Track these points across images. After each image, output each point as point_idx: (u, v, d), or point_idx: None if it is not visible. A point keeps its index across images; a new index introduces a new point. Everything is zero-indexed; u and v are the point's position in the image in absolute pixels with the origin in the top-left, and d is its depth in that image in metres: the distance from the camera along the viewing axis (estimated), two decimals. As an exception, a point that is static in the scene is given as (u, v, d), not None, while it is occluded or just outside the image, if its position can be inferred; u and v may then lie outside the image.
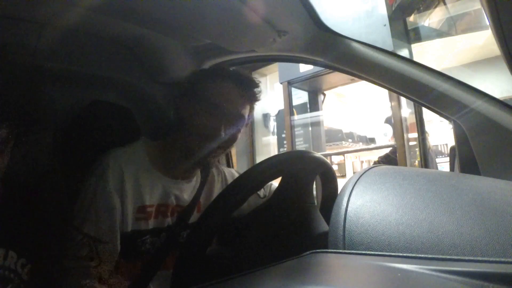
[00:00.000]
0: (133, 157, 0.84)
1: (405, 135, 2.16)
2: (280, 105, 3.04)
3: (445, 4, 2.58)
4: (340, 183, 0.64)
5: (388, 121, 2.58)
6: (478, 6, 2.39)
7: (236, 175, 1.08)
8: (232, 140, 0.88)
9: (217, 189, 1.00)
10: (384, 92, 2.39)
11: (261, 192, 1.05)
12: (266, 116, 3.34)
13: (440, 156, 3.54)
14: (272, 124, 3.32)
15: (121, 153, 0.83)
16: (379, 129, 2.46)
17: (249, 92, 0.89)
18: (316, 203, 0.78)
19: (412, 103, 2.06)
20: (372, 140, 3.94)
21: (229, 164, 1.40)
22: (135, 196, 0.81)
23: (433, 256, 0.31)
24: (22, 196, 0.78)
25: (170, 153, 0.89)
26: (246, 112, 0.89)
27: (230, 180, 1.04)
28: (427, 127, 2.12)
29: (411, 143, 2.26)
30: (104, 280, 0.76)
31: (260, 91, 0.93)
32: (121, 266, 0.82)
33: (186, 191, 0.92)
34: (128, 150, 0.85)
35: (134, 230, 0.81)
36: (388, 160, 2.40)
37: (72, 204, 0.80)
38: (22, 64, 0.86)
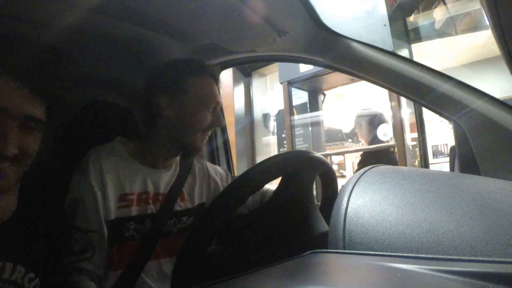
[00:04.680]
0: (111, 151, 0.89)
1: (405, 135, 2.16)
2: (280, 105, 3.04)
3: (445, 4, 2.58)
4: (340, 183, 0.64)
5: (360, 122, 2.46)
6: (478, 6, 2.39)
7: (219, 170, 1.12)
8: (217, 124, 0.96)
9: (199, 180, 1.04)
10: (384, 92, 2.39)
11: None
12: (266, 116, 3.34)
13: (440, 156, 3.54)
14: (272, 124, 3.32)
15: (99, 149, 0.88)
16: (379, 129, 2.45)
17: (218, 81, 0.98)
18: (316, 203, 0.78)
19: (412, 103, 2.06)
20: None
21: (229, 164, 1.40)
22: (116, 186, 0.85)
23: (433, 256, 0.31)
24: (32, 206, 0.79)
25: (153, 145, 0.93)
26: (220, 97, 0.98)
27: (212, 174, 1.08)
28: (427, 127, 2.12)
29: (411, 143, 2.26)
30: (101, 280, 0.79)
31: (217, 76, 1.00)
32: (111, 255, 0.84)
33: (165, 178, 0.95)
34: (106, 146, 0.90)
35: (118, 218, 0.85)
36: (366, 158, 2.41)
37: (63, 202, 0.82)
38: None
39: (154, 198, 0.92)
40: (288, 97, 2.82)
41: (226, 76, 2.99)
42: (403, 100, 2.18)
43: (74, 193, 0.82)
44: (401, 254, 0.33)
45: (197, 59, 0.96)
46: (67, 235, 0.78)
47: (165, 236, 0.91)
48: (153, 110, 0.91)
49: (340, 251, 0.37)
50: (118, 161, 0.88)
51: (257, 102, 3.31)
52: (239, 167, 2.93)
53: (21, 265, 0.58)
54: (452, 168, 0.92)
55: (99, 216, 0.80)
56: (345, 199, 0.42)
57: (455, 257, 0.30)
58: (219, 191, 0.93)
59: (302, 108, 2.98)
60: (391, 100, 2.21)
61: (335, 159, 4.48)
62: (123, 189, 0.86)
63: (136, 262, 0.86)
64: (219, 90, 0.98)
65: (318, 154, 0.76)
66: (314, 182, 0.80)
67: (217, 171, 1.11)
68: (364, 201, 0.41)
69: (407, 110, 2.26)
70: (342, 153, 3.95)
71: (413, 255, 0.33)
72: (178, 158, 1.01)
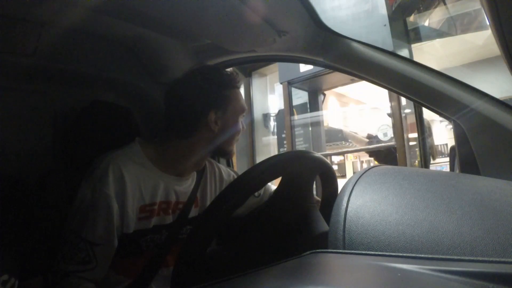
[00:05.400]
0: (132, 157, 0.84)
1: (405, 135, 2.16)
2: (280, 105, 3.04)
3: (445, 4, 2.58)
4: (340, 183, 0.64)
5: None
6: (478, 6, 2.39)
7: (233, 173, 1.10)
8: (243, 129, 1.00)
9: (212, 184, 1.02)
10: (384, 92, 2.39)
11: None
12: (266, 116, 3.34)
13: (440, 156, 3.54)
14: (272, 124, 3.32)
15: (119, 155, 0.82)
16: (379, 129, 2.45)
17: None
18: (316, 203, 0.78)
19: (412, 103, 2.06)
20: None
21: (229, 164, 1.40)
22: (137, 197, 0.81)
23: (433, 256, 0.31)
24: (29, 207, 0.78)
25: (182, 155, 0.89)
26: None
27: (225, 177, 1.06)
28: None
29: (411, 143, 2.26)
30: (100, 282, 0.77)
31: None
32: (122, 264, 0.82)
33: (186, 187, 0.93)
34: (125, 151, 0.85)
35: (137, 230, 0.82)
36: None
37: (68, 206, 0.79)
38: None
39: (175, 207, 0.90)
40: (288, 97, 2.82)
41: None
42: (403, 100, 2.18)
43: (85, 201, 0.76)
44: (401, 254, 0.33)
45: (229, 72, 0.96)
46: (69, 241, 0.75)
47: (177, 243, 0.89)
48: (197, 124, 0.88)
49: (340, 251, 0.37)
50: (140, 170, 0.83)
51: (257, 102, 3.31)
52: (239, 167, 2.93)
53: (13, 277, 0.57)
54: (452, 168, 0.92)
55: (111, 230, 0.76)
56: (345, 199, 0.42)
57: (455, 257, 0.30)
58: None
59: (302, 108, 2.98)
60: (391, 100, 2.22)
61: (335, 159, 4.48)
62: (144, 200, 0.83)
63: (147, 271, 0.85)
64: None
65: (318, 154, 0.76)
66: (314, 182, 0.80)
67: (230, 173, 1.08)
68: (364, 201, 0.41)
69: (407, 110, 2.27)
70: (342, 153, 3.96)
71: (413, 255, 0.33)
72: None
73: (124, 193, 0.78)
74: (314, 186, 0.83)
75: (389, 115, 2.42)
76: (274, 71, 3.17)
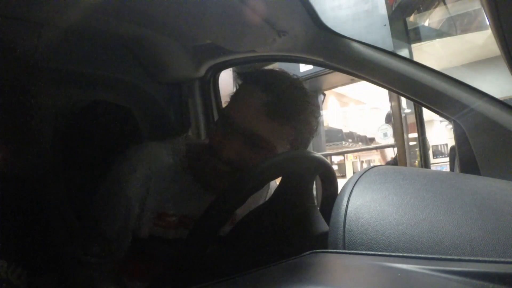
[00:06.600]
0: (169, 155, 0.76)
1: (405, 135, 2.16)
2: (280, 105, 3.04)
3: (445, 4, 2.58)
4: (340, 183, 0.64)
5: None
6: (478, 6, 2.39)
7: None
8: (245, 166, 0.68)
9: (257, 200, 0.86)
10: (384, 92, 2.39)
11: None
12: (266, 116, 3.34)
13: (440, 156, 3.54)
14: (272, 124, 3.31)
15: (155, 149, 0.76)
16: (379, 129, 2.46)
17: (282, 107, 0.65)
18: (316, 203, 0.78)
19: (412, 103, 2.07)
20: (372, 140, 3.94)
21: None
22: (158, 201, 0.75)
23: (433, 256, 0.31)
24: (22, 203, 0.78)
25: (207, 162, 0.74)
26: (271, 136, 0.69)
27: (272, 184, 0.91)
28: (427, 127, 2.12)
29: (411, 143, 2.26)
30: (114, 280, 0.76)
31: (309, 109, 0.74)
32: (134, 270, 0.80)
33: None
34: (165, 146, 0.77)
35: (151, 236, 0.76)
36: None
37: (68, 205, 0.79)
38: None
39: None
40: (288, 97, 2.82)
41: (226, 76, 2.99)
42: (403, 100, 2.18)
43: (107, 195, 0.73)
44: (401, 254, 0.33)
45: None
46: (88, 233, 0.74)
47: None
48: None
49: (340, 251, 0.37)
50: (174, 173, 0.74)
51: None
52: (239, 167, 2.92)
53: (2, 260, 0.58)
54: (452, 168, 0.92)
55: (127, 230, 0.73)
56: (345, 199, 0.42)
57: (455, 257, 0.30)
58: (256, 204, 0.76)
59: (302, 108, 2.98)
60: (391, 100, 2.22)
61: (335, 159, 4.48)
62: (166, 207, 0.76)
63: (162, 284, 0.79)
64: (273, 114, 0.66)
65: (318, 154, 0.76)
66: (314, 182, 0.80)
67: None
68: (364, 201, 0.41)
69: (407, 110, 2.27)
70: (342, 153, 3.96)
71: (413, 255, 0.33)
72: None
73: (147, 194, 0.73)
74: (314, 186, 0.82)
75: (386, 118, 2.42)
76: (274, 71, 3.17)
